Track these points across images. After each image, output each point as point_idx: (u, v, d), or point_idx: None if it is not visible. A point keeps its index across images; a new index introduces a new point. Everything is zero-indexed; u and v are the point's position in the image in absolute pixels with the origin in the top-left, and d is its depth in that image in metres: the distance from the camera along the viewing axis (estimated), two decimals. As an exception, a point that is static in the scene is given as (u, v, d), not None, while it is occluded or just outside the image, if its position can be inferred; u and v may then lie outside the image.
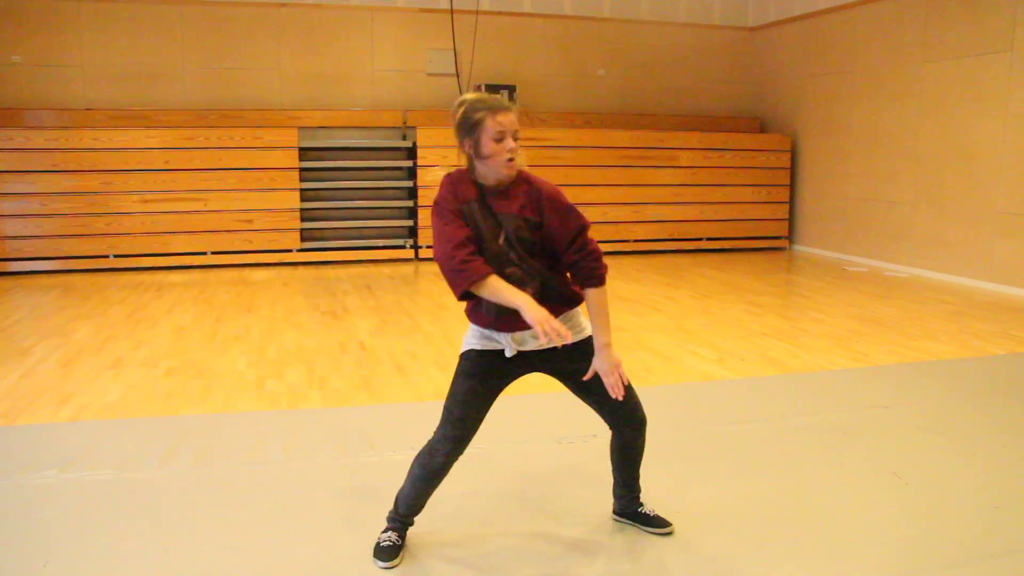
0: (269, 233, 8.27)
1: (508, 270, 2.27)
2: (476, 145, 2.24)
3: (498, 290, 2.20)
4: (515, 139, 2.24)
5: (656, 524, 2.57)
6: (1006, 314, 6.07)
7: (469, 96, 2.29)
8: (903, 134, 8.05)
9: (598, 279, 2.31)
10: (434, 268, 8.07)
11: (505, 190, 2.29)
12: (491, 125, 2.20)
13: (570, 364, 2.40)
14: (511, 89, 9.28)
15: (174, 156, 7.98)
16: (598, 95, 9.93)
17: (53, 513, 2.70)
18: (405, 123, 9.02)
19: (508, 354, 2.35)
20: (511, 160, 2.23)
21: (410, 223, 8.74)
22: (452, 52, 9.31)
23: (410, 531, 2.49)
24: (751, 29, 10.36)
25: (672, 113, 10.12)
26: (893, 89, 8.14)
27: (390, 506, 2.49)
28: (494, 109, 2.21)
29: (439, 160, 8.54)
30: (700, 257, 9.06)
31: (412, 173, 8.66)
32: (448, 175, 2.35)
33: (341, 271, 8.00)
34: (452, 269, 2.21)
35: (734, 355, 4.82)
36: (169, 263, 8.01)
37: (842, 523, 2.66)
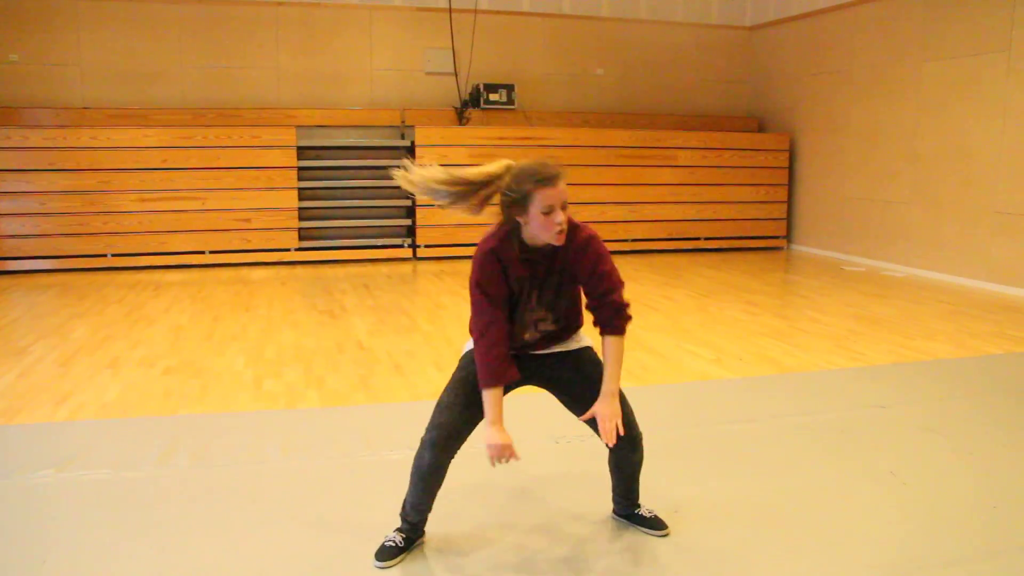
0: (267, 232, 8.26)
1: (541, 327, 2.36)
2: (525, 216, 2.23)
3: (487, 398, 2.26)
4: (564, 208, 2.23)
5: (654, 526, 2.57)
6: (1003, 314, 6.08)
7: (517, 165, 2.27)
8: (901, 134, 8.06)
9: (617, 329, 2.34)
10: (432, 268, 8.10)
11: (552, 250, 2.31)
12: (540, 199, 2.19)
13: (565, 372, 2.42)
14: (509, 88, 9.28)
15: (172, 155, 7.97)
16: (596, 94, 9.93)
17: (50, 512, 2.70)
18: (403, 122, 9.02)
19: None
20: (562, 232, 2.23)
21: (408, 222, 8.74)
22: (450, 51, 9.31)
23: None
24: (749, 28, 10.36)
25: (670, 112, 10.12)
26: (891, 89, 8.15)
27: (388, 506, 2.50)
28: (542, 182, 2.19)
29: (438, 159, 8.49)
30: (698, 256, 9.06)
31: (410, 172, 8.63)
32: (494, 243, 2.29)
33: (339, 270, 7.99)
34: (484, 363, 2.26)
35: (732, 354, 4.83)
36: (167, 262, 8.00)
37: (839, 522, 2.67)
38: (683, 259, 8.84)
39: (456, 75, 9.34)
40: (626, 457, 2.49)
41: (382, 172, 8.75)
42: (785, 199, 9.73)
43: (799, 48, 9.52)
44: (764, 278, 7.72)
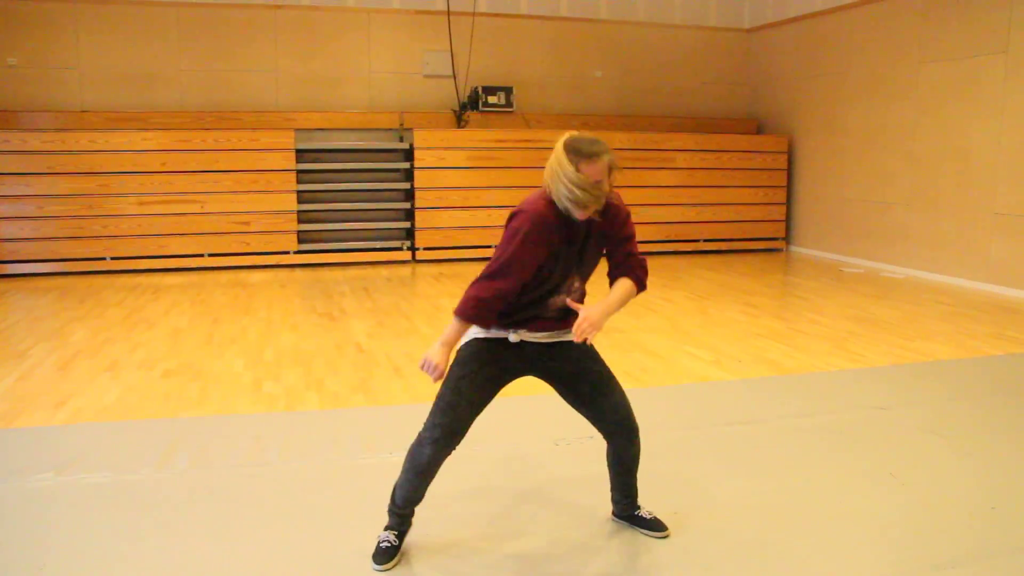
0: (266, 235, 8.26)
1: (572, 295, 2.37)
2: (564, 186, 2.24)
3: (454, 325, 2.30)
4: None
5: (653, 527, 2.57)
6: (1002, 315, 6.09)
7: (567, 136, 2.28)
8: (899, 135, 8.07)
9: (639, 279, 2.40)
10: (431, 270, 8.09)
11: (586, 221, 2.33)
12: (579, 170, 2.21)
13: (566, 364, 2.41)
14: (508, 91, 9.29)
15: (171, 158, 7.97)
16: (595, 97, 9.94)
17: (50, 516, 2.70)
18: (402, 125, 9.02)
19: (512, 339, 2.35)
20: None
21: (407, 225, 8.74)
22: (449, 54, 9.32)
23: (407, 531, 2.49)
24: (747, 31, 10.37)
25: (669, 115, 10.14)
26: (889, 90, 8.16)
27: (388, 507, 2.49)
28: (582, 157, 2.21)
29: (436, 162, 8.55)
30: (697, 258, 9.07)
31: (409, 175, 8.66)
32: (539, 204, 2.29)
33: (338, 273, 7.99)
34: (480, 303, 2.26)
35: (731, 356, 4.83)
36: (166, 265, 8.00)
37: (839, 524, 2.67)
38: (682, 261, 8.84)
39: (455, 78, 9.34)
40: (625, 449, 2.50)
41: (381, 175, 8.77)
42: (784, 201, 9.74)
43: (797, 50, 9.54)
44: (763, 280, 7.72)
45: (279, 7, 8.90)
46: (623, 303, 2.37)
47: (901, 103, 8.01)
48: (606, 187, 2.25)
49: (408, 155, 8.67)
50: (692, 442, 3.40)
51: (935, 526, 2.66)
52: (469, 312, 2.26)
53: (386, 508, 2.48)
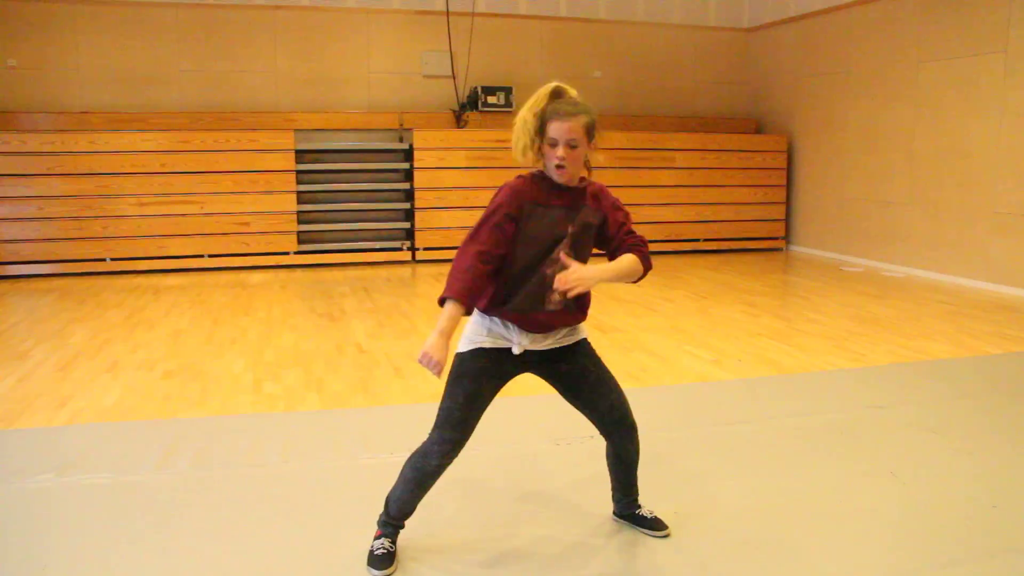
0: (266, 236, 8.26)
1: (550, 269, 2.28)
2: (541, 144, 2.27)
3: (446, 310, 2.19)
4: (572, 147, 2.23)
5: (654, 526, 2.57)
6: (1002, 314, 6.09)
7: (556, 89, 2.29)
8: (899, 134, 8.07)
9: (642, 254, 2.35)
10: (431, 270, 8.10)
11: (567, 192, 2.31)
12: (549, 130, 2.24)
13: (564, 364, 2.41)
14: (507, 91, 9.30)
15: (170, 159, 7.97)
16: (594, 97, 9.78)
17: (51, 517, 2.70)
18: (401, 125, 9.03)
19: (516, 351, 2.33)
20: (560, 167, 2.25)
21: (407, 225, 8.74)
22: (448, 54, 9.32)
23: (405, 535, 2.48)
24: (747, 30, 10.38)
25: (668, 114, 10.14)
26: (889, 89, 8.16)
27: (379, 519, 2.48)
28: (555, 114, 2.23)
29: (436, 162, 8.55)
30: (697, 258, 9.07)
31: (409, 175, 8.66)
32: (517, 177, 2.32)
33: (338, 273, 7.99)
34: (463, 274, 2.20)
35: (731, 356, 4.83)
36: (166, 266, 8.00)
37: (839, 523, 2.67)
38: (682, 261, 8.85)
39: (454, 78, 9.35)
40: (624, 445, 2.50)
41: (381, 175, 8.77)
42: (784, 200, 9.74)
43: (797, 49, 9.54)
44: (763, 279, 7.72)
45: (278, 8, 8.90)
46: (622, 274, 2.32)
47: (901, 102, 8.02)
48: (585, 149, 2.26)
49: (408, 155, 8.67)
50: (692, 441, 3.40)
51: (936, 525, 2.66)
52: (455, 286, 2.18)
53: (376, 520, 2.46)
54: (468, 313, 2.27)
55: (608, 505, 2.68)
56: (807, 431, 3.52)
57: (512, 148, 2.32)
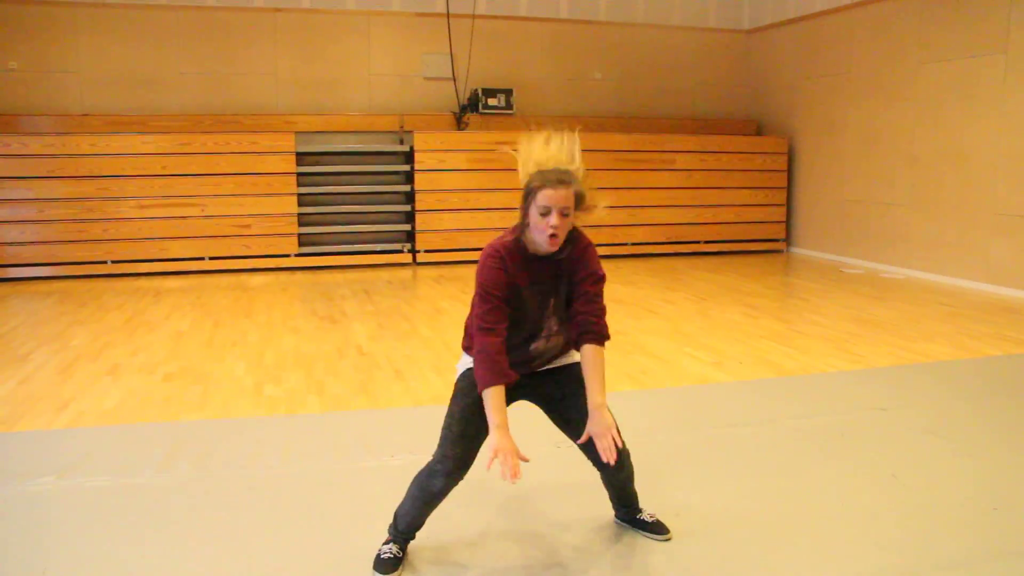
0: (267, 238, 8.27)
1: (536, 344, 2.34)
2: (525, 213, 2.24)
3: (488, 400, 2.19)
4: (564, 215, 2.21)
5: (655, 530, 2.57)
6: (1002, 315, 6.09)
7: (541, 159, 2.27)
8: (899, 136, 8.07)
9: (598, 336, 2.30)
10: (432, 273, 8.10)
11: (548, 264, 2.31)
12: (539, 198, 2.20)
13: (556, 389, 2.41)
14: (508, 93, 9.30)
15: (171, 161, 7.98)
16: (594, 98, 9.95)
17: (51, 520, 2.70)
18: (402, 127, 9.03)
19: None
20: (553, 236, 2.22)
21: (408, 227, 8.74)
22: (449, 56, 9.33)
23: (408, 540, 2.49)
24: (747, 32, 10.38)
25: (669, 116, 10.14)
26: (889, 91, 8.16)
27: (389, 512, 2.49)
28: (546, 183, 2.20)
29: (437, 164, 8.55)
30: (697, 260, 9.07)
31: (409, 177, 8.67)
32: (498, 249, 2.28)
33: (339, 276, 8.00)
34: (488, 361, 2.20)
35: (731, 358, 4.83)
36: (166, 268, 8.01)
37: (841, 525, 2.67)
38: (682, 262, 8.85)
39: (454, 80, 9.35)
40: (613, 474, 2.48)
41: (381, 177, 8.78)
42: (784, 202, 9.74)
43: (797, 51, 9.54)
44: (763, 281, 7.72)
45: (279, 10, 8.91)
46: (601, 371, 2.29)
47: (901, 104, 8.02)
48: (573, 217, 2.25)
49: (408, 157, 8.67)
50: (693, 444, 3.40)
51: (936, 527, 2.66)
52: (487, 377, 2.18)
53: (387, 527, 2.46)
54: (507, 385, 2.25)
55: (609, 508, 2.68)
56: (807, 433, 3.52)
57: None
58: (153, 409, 3.87)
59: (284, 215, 8.29)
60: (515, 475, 2.09)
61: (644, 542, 2.55)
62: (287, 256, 8.34)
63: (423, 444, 3.22)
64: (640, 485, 2.61)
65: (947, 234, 7.58)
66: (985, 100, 7.10)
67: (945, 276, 7.59)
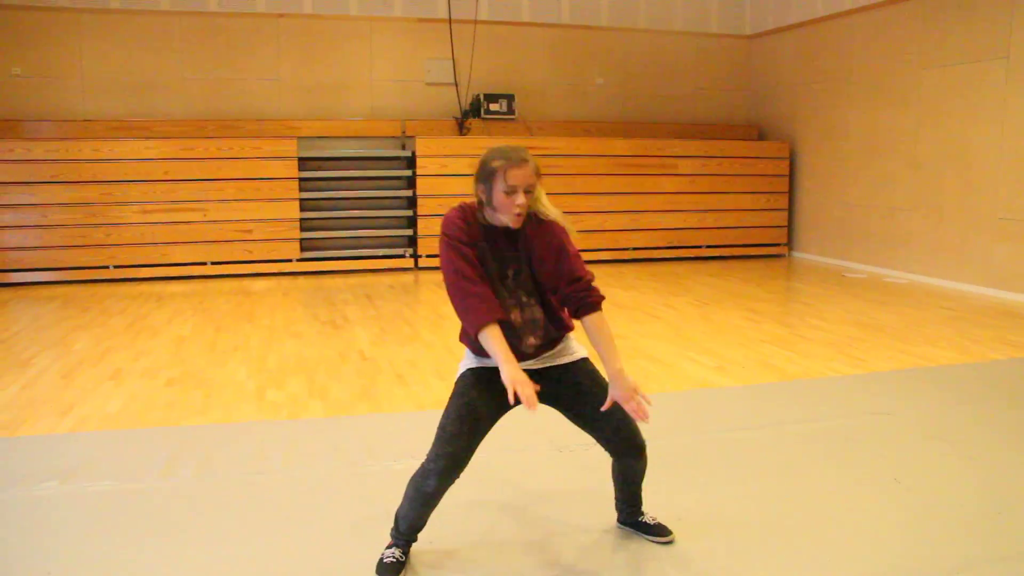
0: (269, 243, 8.28)
1: (512, 315, 2.34)
2: (488, 193, 2.29)
3: (489, 341, 2.22)
4: (527, 192, 2.26)
5: (657, 533, 2.57)
6: (1004, 319, 6.08)
7: (492, 146, 2.35)
8: (901, 140, 8.08)
9: (592, 306, 2.32)
10: (434, 277, 8.09)
11: (503, 234, 2.34)
12: (504, 177, 2.24)
13: (565, 388, 2.41)
14: (510, 98, 9.31)
15: (173, 167, 7.99)
16: (596, 103, 9.96)
17: (54, 524, 2.70)
18: (404, 133, 9.05)
19: None
20: (519, 214, 2.28)
21: (409, 232, 8.75)
22: (451, 62, 9.34)
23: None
24: (749, 37, 10.39)
25: (670, 121, 10.15)
26: (890, 96, 8.17)
27: (392, 516, 2.49)
28: (509, 162, 2.25)
29: (438, 169, 8.56)
30: (699, 265, 9.07)
31: (411, 183, 8.68)
32: (458, 208, 2.36)
33: (341, 281, 8.00)
34: (471, 303, 2.25)
35: (734, 362, 4.83)
36: (169, 273, 8.02)
37: (844, 530, 2.66)
38: (684, 267, 8.85)
39: (456, 85, 9.37)
40: (631, 465, 2.49)
41: (383, 183, 8.79)
42: (786, 207, 9.74)
43: (798, 56, 9.55)
44: (766, 285, 7.72)
45: (281, 16, 8.94)
46: (609, 336, 2.31)
47: (902, 108, 8.02)
48: (538, 192, 2.30)
49: (410, 163, 8.69)
50: (695, 448, 3.40)
51: (940, 531, 2.66)
52: (480, 316, 2.22)
53: (389, 532, 2.46)
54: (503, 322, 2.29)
55: (612, 512, 2.68)
56: (810, 437, 3.52)
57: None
58: (155, 414, 3.87)
59: (286, 220, 8.30)
60: (533, 405, 2.12)
61: (646, 545, 2.55)
62: (289, 261, 8.35)
63: (425, 449, 3.22)
64: (643, 488, 2.61)
65: (949, 238, 7.57)
66: (987, 105, 7.10)
67: (947, 280, 7.58)
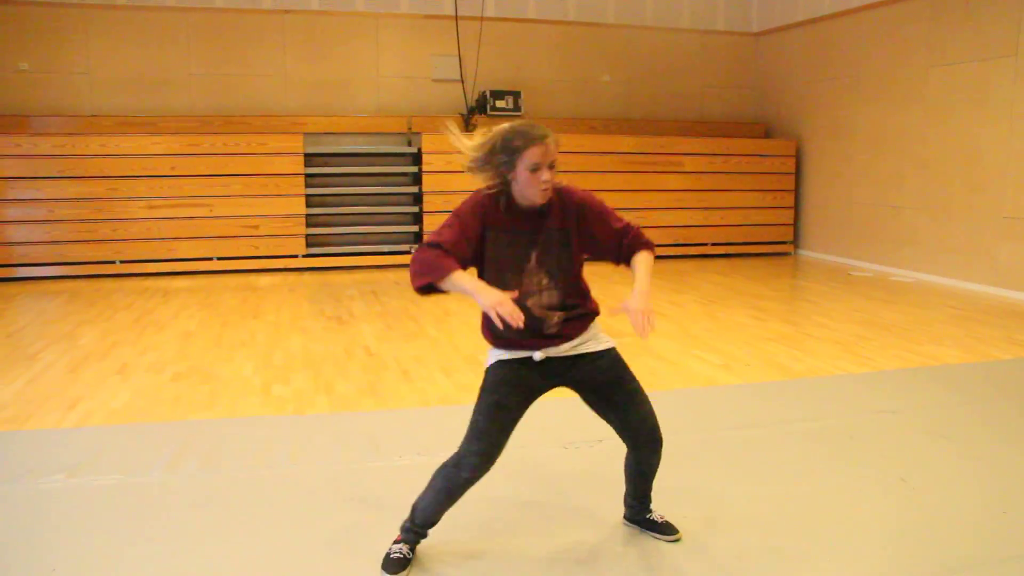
0: (275, 239, 8.29)
1: (530, 301, 2.31)
2: (513, 173, 2.28)
3: (458, 280, 2.19)
4: (552, 167, 2.27)
5: (665, 531, 2.57)
6: (1011, 319, 6.06)
7: (507, 124, 2.34)
8: (908, 139, 8.05)
9: (646, 243, 2.40)
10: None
11: (531, 213, 2.33)
12: (528, 156, 2.24)
13: (597, 375, 2.40)
14: (516, 95, 9.31)
15: (180, 162, 8.01)
16: (603, 101, 9.95)
17: (60, 518, 2.71)
18: (410, 129, 9.04)
19: (537, 357, 2.34)
20: (545, 190, 2.28)
21: (415, 228, 8.75)
22: (457, 58, 9.34)
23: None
24: (755, 34, 10.37)
25: (677, 119, 10.13)
26: (898, 94, 8.14)
27: (396, 511, 2.49)
28: (530, 140, 2.25)
29: (444, 166, 8.56)
30: (705, 263, 9.06)
31: (417, 179, 8.68)
32: (482, 194, 2.34)
33: (347, 277, 8.01)
34: (427, 263, 2.22)
35: (740, 360, 4.82)
36: (175, 269, 8.03)
37: (850, 528, 2.66)
38: (690, 265, 8.84)
39: (463, 82, 9.36)
40: (646, 459, 2.50)
41: (389, 179, 8.79)
42: (792, 205, 9.72)
43: (805, 54, 9.53)
44: (772, 284, 7.71)
45: (288, 12, 8.94)
46: (650, 268, 2.37)
47: (910, 107, 8.00)
48: (556, 168, 2.30)
49: (416, 159, 8.69)
50: (701, 446, 3.40)
51: (946, 530, 2.65)
52: (440, 267, 2.19)
53: (400, 525, 2.45)
54: (465, 268, 2.27)
55: (619, 509, 2.68)
56: (815, 436, 3.51)
57: (467, 160, 2.34)
58: (162, 408, 3.88)
59: (292, 216, 8.31)
60: (519, 320, 2.09)
61: (653, 543, 2.55)
62: (295, 257, 8.36)
63: (431, 445, 3.24)
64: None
65: (956, 237, 7.55)
66: (995, 104, 7.08)
67: (954, 279, 7.56)
